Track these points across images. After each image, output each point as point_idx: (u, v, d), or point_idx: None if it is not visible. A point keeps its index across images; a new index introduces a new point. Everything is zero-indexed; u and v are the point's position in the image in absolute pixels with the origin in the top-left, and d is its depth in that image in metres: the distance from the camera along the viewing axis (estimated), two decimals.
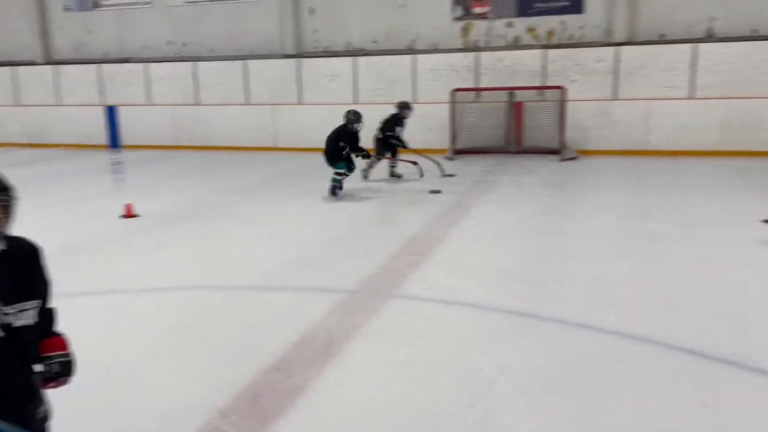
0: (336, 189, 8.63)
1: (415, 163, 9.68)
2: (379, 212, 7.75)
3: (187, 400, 3.18)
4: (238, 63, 14.34)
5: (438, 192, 8.70)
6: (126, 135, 15.23)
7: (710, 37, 11.54)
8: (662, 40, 11.76)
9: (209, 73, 14.58)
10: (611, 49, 11.87)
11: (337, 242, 6.34)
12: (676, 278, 5.00)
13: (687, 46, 11.44)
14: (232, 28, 14.65)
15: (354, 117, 8.70)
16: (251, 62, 14.26)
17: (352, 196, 8.72)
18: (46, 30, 15.98)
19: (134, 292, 4.89)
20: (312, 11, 14.01)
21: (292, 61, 13.97)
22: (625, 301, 4.51)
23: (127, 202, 7.57)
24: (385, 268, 5.41)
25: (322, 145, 14.36)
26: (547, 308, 4.37)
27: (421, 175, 9.51)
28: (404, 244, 6.13)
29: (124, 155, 14.27)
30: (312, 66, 13.86)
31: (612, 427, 2.92)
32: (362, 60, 13.48)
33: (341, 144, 8.55)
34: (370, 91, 13.47)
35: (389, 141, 9.92)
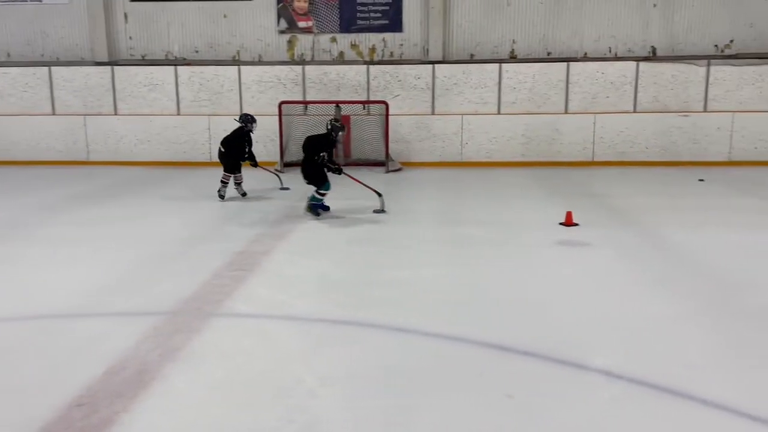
0: (318, 208, 7.90)
1: (380, 194, 8.29)
2: (203, 229, 7.44)
3: None
4: (42, 69, 13.04)
5: (383, 212, 8.02)
6: None
7: (513, 58, 12.72)
8: (472, 60, 12.73)
9: (6, 79, 13.08)
10: (428, 66, 12.59)
11: (155, 262, 5.97)
12: (486, 279, 5.39)
13: (494, 66, 12.50)
14: (31, 31, 13.27)
15: (339, 125, 7.93)
16: (56, 69, 13.03)
17: (175, 214, 8.30)
18: None
19: None
20: (126, 17, 13.17)
21: (105, 68, 13.01)
22: (440, 304, 4.77)
23: None
24: (207, 285, 5.20)
25: (141, 158, 13.53)
26: (368, 315, 4.48)
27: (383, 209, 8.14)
28: (229, 260, 5.95)
29: None
30: (128, 74, 13.01)
31: (426, 426, 3.06)
32: (183, 70, 12.94)
33: (320, 155, 7.68)
34: (192, 102, 12.96)
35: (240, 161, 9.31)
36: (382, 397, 3.32)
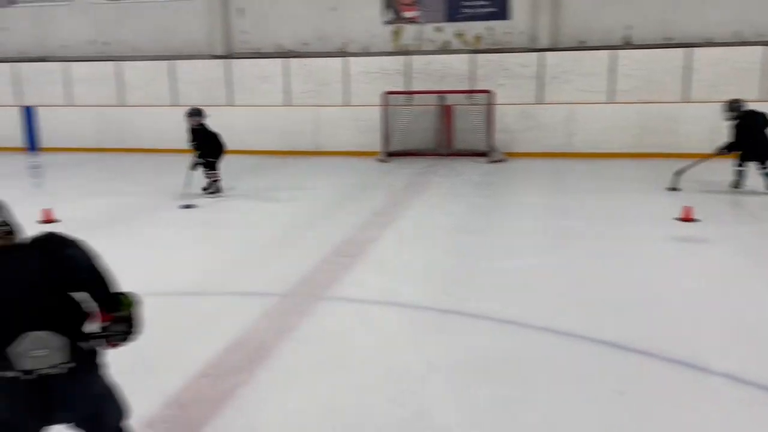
0: None
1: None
2: (309, 214, 7.71)
3: None
4: (165, 63, 13.95)
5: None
6: (46, 137, 14.53)
7: (627, 44, 12.12)
8: (582, 47, 12.26)
9: (135, 73, 14.11)
10: (535, 54, 12.27)
11: (267, 245, 6.28)
12: (597, 273, 5.22)
13: (605, 53, 11.97)
14: (157, 27, 14.23)
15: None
16: (179, 62, 13.90)
17: (283, 200, 8.67)
18: None
19: None
20: (241, 12, 13.80)
21: (222, 62, 13.72)
22: (549, 297, 4.68)
23: (45, 207, 7.24)
24: (316, 270, 5.40)
25: (253, 147, 14.08)
26: (475, 305, 4.48)
27: None
28: (336, 246, 6.14)
29: (44, 158, 13.61)
30: (242, 67, 13.65)
31: (535, 418, 3.03)
32: (293, 62, 13.40)
33: None
34: (301, 93, 13.40)
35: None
36: (490, 388, 3.32)
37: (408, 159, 12.44)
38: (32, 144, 14.60)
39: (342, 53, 13.36)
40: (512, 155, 12.26)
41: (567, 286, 4.94)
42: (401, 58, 12.91)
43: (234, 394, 3.24)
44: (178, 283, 5.06)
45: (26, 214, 7.72)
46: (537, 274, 5.25)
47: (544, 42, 12.31)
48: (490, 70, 12.51)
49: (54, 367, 1.92)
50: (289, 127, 13.47)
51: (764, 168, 8.11)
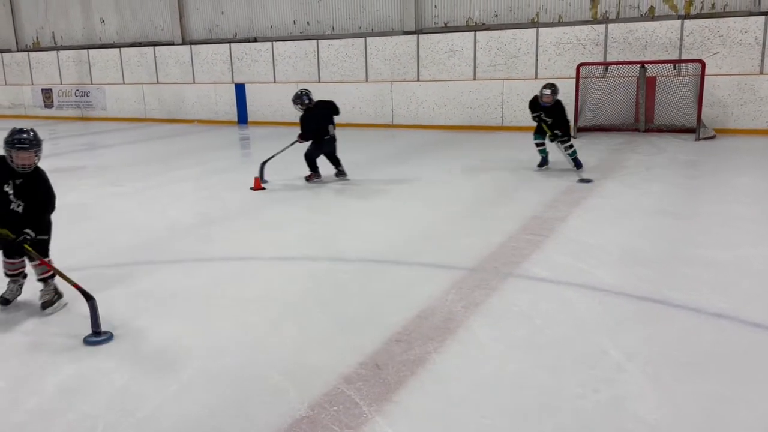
0: None
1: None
2: (494, 190, 7.63)
3: (314, 365, 3.34)
4: (359, 40, 14.56)
5: (589, 181, 7.69)
6: (252, 112, 16.01)
7: None
8: None
9: (330, 50, 14.93)
10: (760, 18, 10.81)
11: (453, 220, 6.33)
12: None
13: None
14: (352, 5, 14.86)
15: None
16: (371, 39, 14.43)
17: (468, 176, 8.66)
18: (183, 12, 17.04)
19: (265, 260, 5.18)
20: None
21: (412, 37, 13.97)
22: (764, 290, 4.16)
23: (255, 176, 8.00)
24: (503, 247, 5.34)
25: (438, 122, 14.24)
26: (678, 295, 4.13)
27: None
28: (523, 224, 6.01)
29: (251, 131, 15.02)
30: (431, 42, 13.79)
31: (749, 418, 2.73)
32: (482, 35, 13.22)
33: None
34: (488, 66, 13.21)
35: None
36: (696, 383, 3.05)
37: (601, 134, 11.75)
38: (243, 118, 16.19)
39: (533, 24, 12.90)
40: (724, 132, 11.04)
41: None
42: (598, 27, 12.14)
43: (426, 360, 3.34)
44: (371, 252, 5.30)
45: (241, 180, 8.54)
46: (753, 265, 4.69)
47: None
48: (701, 37, 11.29)
49: (332, 134, 8.02)
50: (474, 102, 13.39)
51: None
